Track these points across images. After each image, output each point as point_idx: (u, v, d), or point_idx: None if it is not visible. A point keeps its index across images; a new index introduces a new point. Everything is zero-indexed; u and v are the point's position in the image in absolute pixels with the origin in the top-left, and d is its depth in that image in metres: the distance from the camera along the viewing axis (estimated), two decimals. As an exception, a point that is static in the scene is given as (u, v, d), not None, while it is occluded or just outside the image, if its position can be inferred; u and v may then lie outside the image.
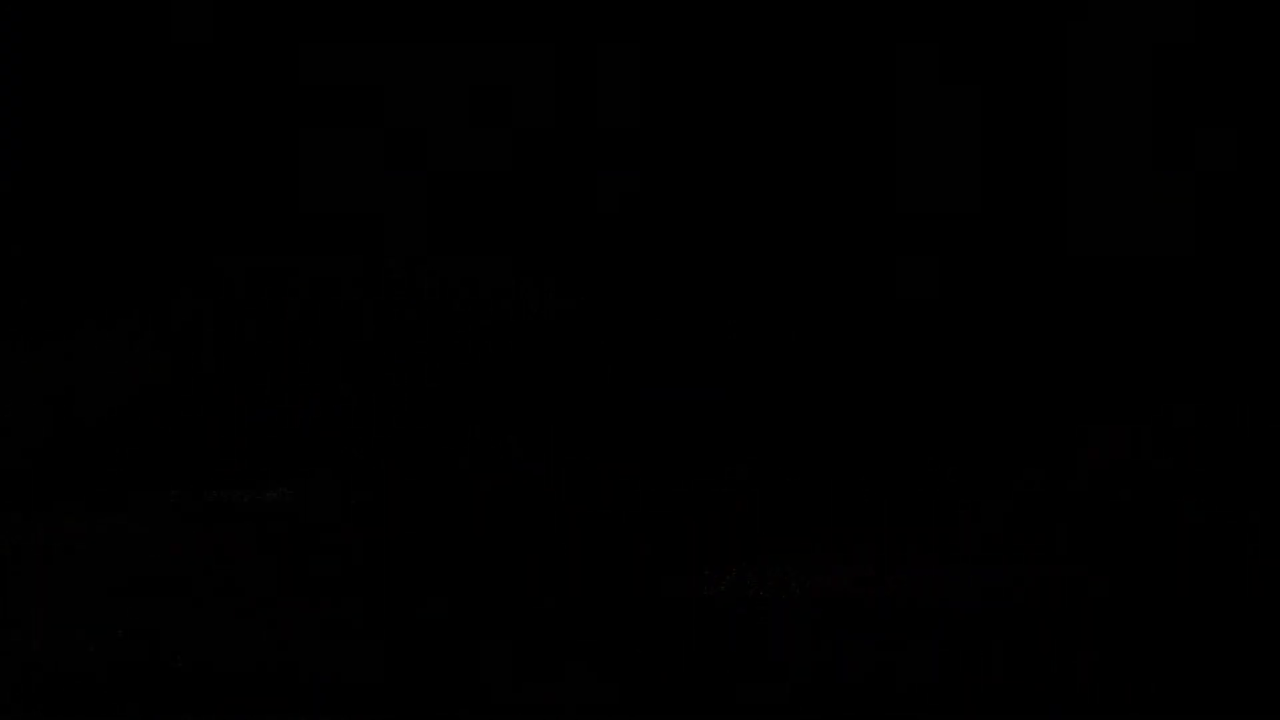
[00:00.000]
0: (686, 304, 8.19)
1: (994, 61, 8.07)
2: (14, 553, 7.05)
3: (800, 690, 5.60)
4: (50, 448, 7.87)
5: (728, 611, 6.40)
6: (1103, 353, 8.01)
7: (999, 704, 5.48)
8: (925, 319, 8.12)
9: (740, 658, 5.94)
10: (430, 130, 8.40)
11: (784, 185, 8.21)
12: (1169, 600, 6.36)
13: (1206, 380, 7.90)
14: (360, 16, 8.34)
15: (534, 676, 5.85)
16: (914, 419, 8.01)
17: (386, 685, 5.84)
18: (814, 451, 8.01)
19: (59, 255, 8.16)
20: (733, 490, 7.69)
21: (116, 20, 8.25)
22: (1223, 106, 7.94)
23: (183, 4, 8.23)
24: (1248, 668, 5.65)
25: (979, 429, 7.91)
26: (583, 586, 6.70)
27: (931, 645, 6.00)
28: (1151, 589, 6.49)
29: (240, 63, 8.31)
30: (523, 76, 8.33)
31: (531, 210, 8.34)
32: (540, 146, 8.34)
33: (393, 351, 8.10)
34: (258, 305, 8.11)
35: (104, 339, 8.02)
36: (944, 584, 6.63)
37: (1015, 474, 7.66)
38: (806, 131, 8.18)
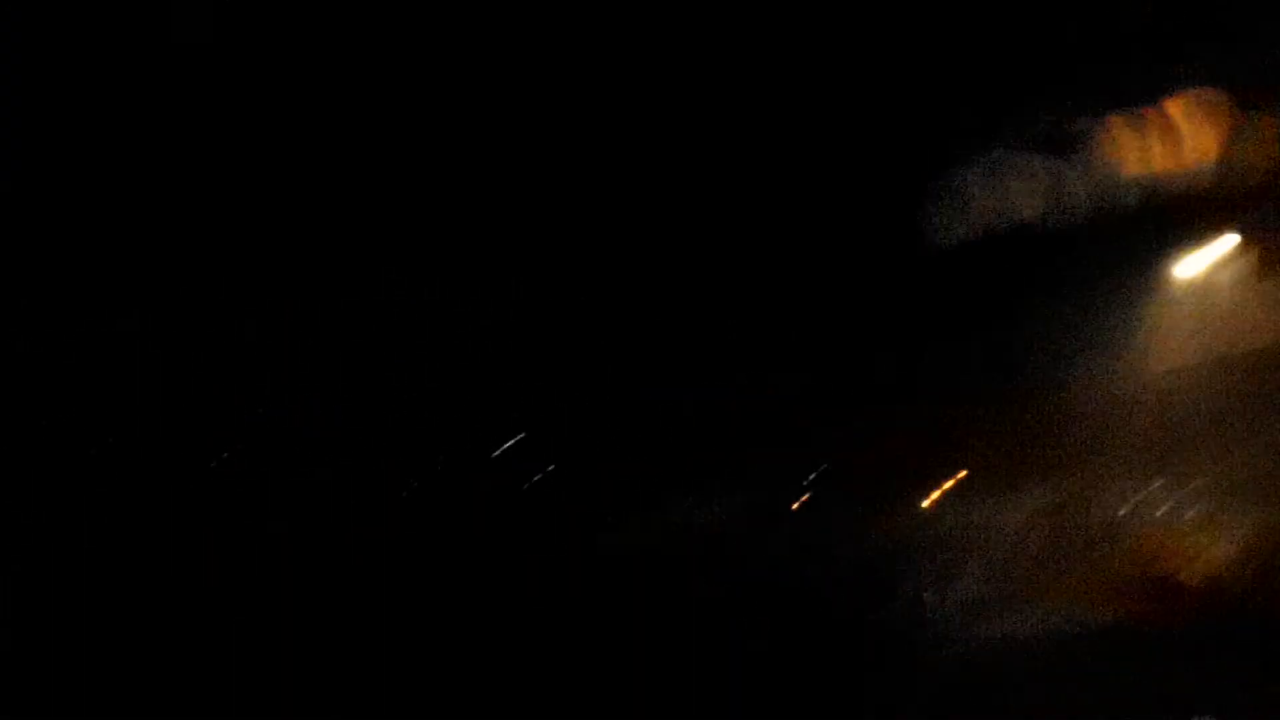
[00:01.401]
0: (686, 304, 8.20)
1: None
2: (15, 550, 7.07)
3: (799, 686, 5.61)
4: (48, 447, 7.88)
5: (729, 610, 6.41)
6: (1102, 352, 8.02)
7: (999, 703, 5.49)
8: (925, 318, 8.14)
9: (741, 655, 5.95)
10: (430, 130, 8.40)
11: (783, 185, 8.22)
12: (1168, 599, 6.37)
13: (1202, 379, 7.92)
14: (360, 16, 8.33)
15: (535, 675, 5.86)
16: (914, 418, 8.02)
17: (388, 686, 5.84)
18: (814, 451, 8.02)
19: (59, 255, 8.16)
20: (733, 489, 7.71)
21: (116, 20, 8.24)
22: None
23: (183, 4, 8.23)
24: (1248, 670, 5.65)
25: (979, 428, 7.92)
26: (583, 586, 6.71)
27: (931, 644, 6.01)
28: (1150, 588, 6.50)
29: (240, 63, 8.31)
30: (522, 76, 8.33)
31: (531, 210, 8.34)
32: (540, 146, 8.34)
33: (393, 351, 8.11)
34: (258, 305, 8.12)
35: (104, 339, 8.02)
36: (944, 583, 6.64)
37: (1015, 473, 7.67)
38: (806, 132, 8.19)
